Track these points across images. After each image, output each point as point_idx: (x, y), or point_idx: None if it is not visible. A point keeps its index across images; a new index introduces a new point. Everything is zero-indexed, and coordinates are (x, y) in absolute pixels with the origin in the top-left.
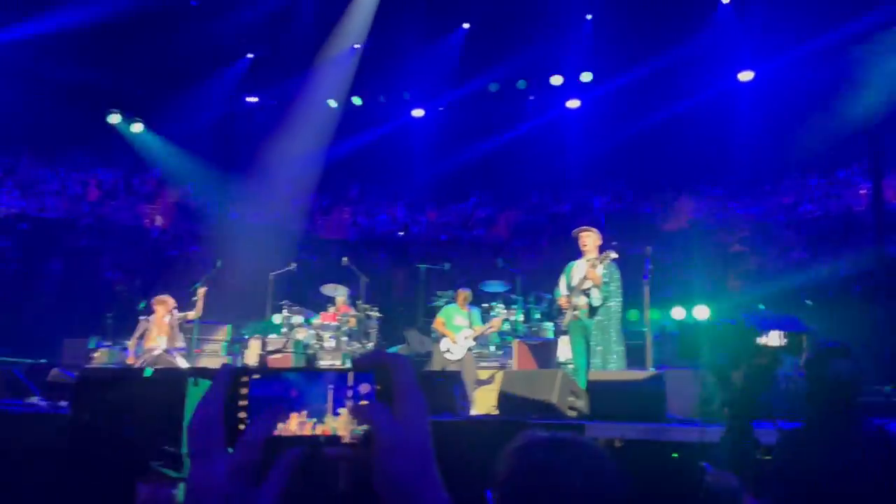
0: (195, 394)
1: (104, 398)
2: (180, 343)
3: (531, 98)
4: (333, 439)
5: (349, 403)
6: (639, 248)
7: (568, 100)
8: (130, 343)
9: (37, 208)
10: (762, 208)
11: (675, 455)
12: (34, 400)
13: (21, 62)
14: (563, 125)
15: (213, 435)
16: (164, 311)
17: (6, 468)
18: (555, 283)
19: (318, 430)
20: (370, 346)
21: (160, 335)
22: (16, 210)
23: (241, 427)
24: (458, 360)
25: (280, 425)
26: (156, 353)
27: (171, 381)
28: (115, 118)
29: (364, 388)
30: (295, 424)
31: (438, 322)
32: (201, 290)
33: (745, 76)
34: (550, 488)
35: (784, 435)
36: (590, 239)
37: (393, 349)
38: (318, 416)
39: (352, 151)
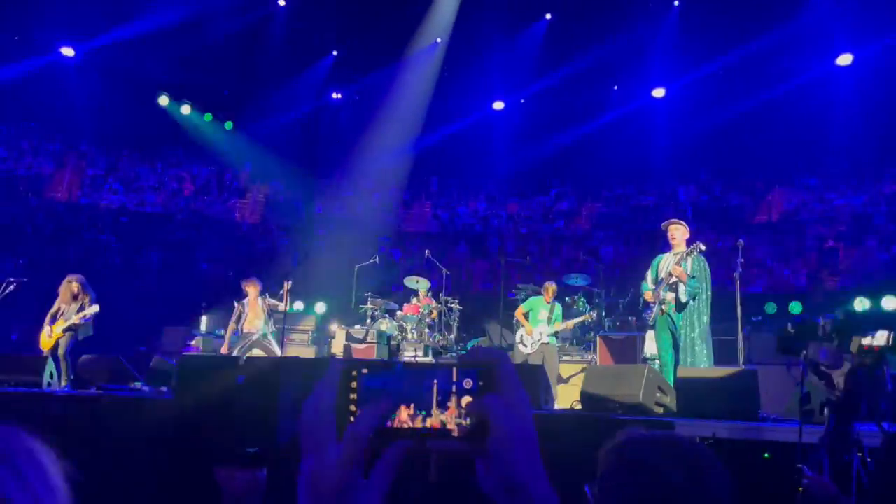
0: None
1: (204, 385)
2: (272, 328)
3: (615, 88)
4: (442, 432)
5: (466, 398)
6: (728, 242)
7: (654, 88)
8: (229, 328)
9: (136, 203)
10: (862, 198)
11: (768, 456)
12: (138, 385)
13: (120, 63)
14: (647, 114)
15: (324, 428)
16: (254, 292)
17: (118, 449)
18: (637, 277)
19: (428, 423)
20: (451, 337)
21: (256, 318)
22: (117, 205)
23: (352, 420)
24: (535, 353)
25: (389, 418)
26: (254, 337)
27: (264, 370)
28: (164, 100)
29: (467, 383)
30: (405, 416)
31: (519, 311)
32: (287, 284)
33: (844, 60)
34: (654, 486)
35: (890, 438)
36: (679, 232)
37: (474, 342)
38: (426, 409)
39: (432, 145)
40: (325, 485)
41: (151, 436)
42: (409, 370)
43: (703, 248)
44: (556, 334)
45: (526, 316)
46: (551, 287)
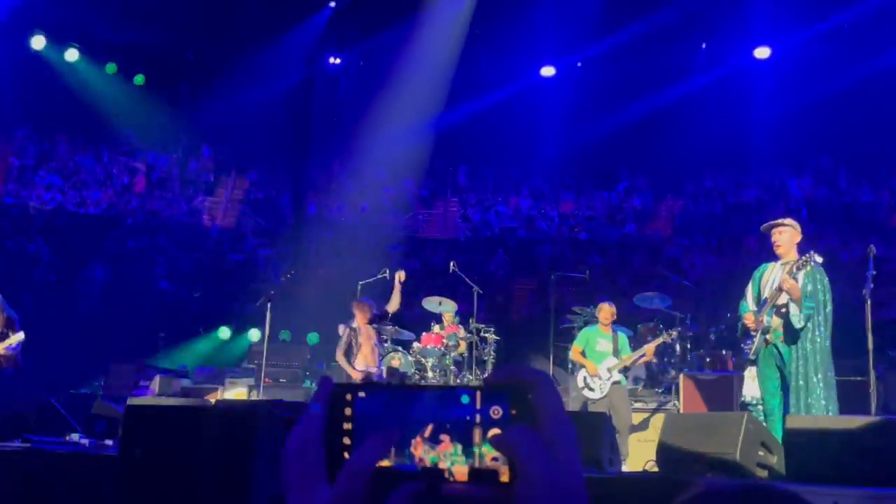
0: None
1: (158, 437)
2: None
3: (704, 46)
4: (453, 475)
5: (493, 431)
6: (857, 251)
7: (756, 47)
8: (338, 358)
9: (75, 202)
10: None
11: None
12: (75, 437)
13: (58, 21)
14: (748, 81)
15: (310, 462)
16: (363, 315)
17: None
18: (734, 297)
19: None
20: (485, 376)
21: (371, 352)
22: (51, 205)
23: (346, 455)
24: (603, 399)
25: (403, 451)
26: (373, 374)
27: (239, 415)
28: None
29: (496, 411)
30: (422, 451)
31: (575, 350)
32: (400, 275)
33: None
34: None
35: None
36: (785, 235)
37: None
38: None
39: (461, 124)
40: None
41: (91, 502)
42: (422, 394)
43: (818, 259)
44: (626, 370)
45: (583, 354)
46: (607, 308)
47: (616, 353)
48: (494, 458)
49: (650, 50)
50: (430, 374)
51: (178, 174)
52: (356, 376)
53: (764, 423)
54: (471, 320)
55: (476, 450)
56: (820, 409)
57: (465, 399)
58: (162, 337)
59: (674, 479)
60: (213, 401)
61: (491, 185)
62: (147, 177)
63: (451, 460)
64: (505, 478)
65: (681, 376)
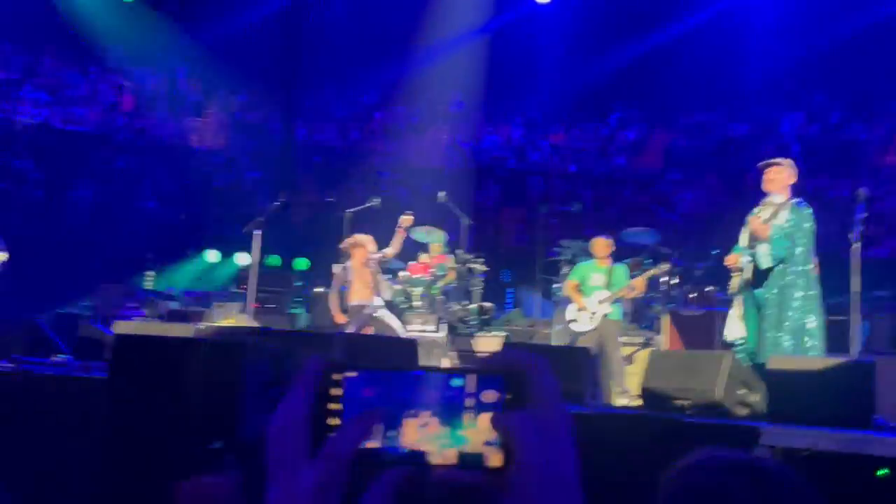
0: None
1: (146, 366)
2: (386, 293)
3: None
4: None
5: (468, 415)
6: (845, 189)
7: None
8: (331, 300)
9: (62, 119)
10: None
11: (884, 473)
12: (62, 358)
13: None
14: (742, 14)
15: (294, 443)
16: (362, 255)
17: (33, 439)
18: (723, 232)
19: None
20: (472, 307)
21: (365, 287)
22: (37, 120)
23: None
24: (592, 335)
25: (390, 434)
26: (367, 311)
27: (225, 348)
28: None
29: (488, 395)
30: (413, 436)
31: (569, 285)
32: (406, 219)
33: None
34: None
35: None
36: (781, 175)
37: (502, 315)
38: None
39: (453, 51)
40: None
41: (79, 425)
42: (413, 376)
43: (796, 199)
44: (620, 301)
45: (578, 290)
46: (602, 242)
47: (609, 286)
48: (485, 444)
49: None
50: (416, 302)
51: (166, 93)
52: (340, 320)
53: (747, 363)
54: (458, 250)
55: (466, 434)
56: (793, 350)
57: (457, 382)
58: (150, 258)
59: (656, 417)
60: (203, 326)
61: (483, 114)
62: (135, 95)
63: (440, 444)
64: (494, 463)
65: (665, 312)
